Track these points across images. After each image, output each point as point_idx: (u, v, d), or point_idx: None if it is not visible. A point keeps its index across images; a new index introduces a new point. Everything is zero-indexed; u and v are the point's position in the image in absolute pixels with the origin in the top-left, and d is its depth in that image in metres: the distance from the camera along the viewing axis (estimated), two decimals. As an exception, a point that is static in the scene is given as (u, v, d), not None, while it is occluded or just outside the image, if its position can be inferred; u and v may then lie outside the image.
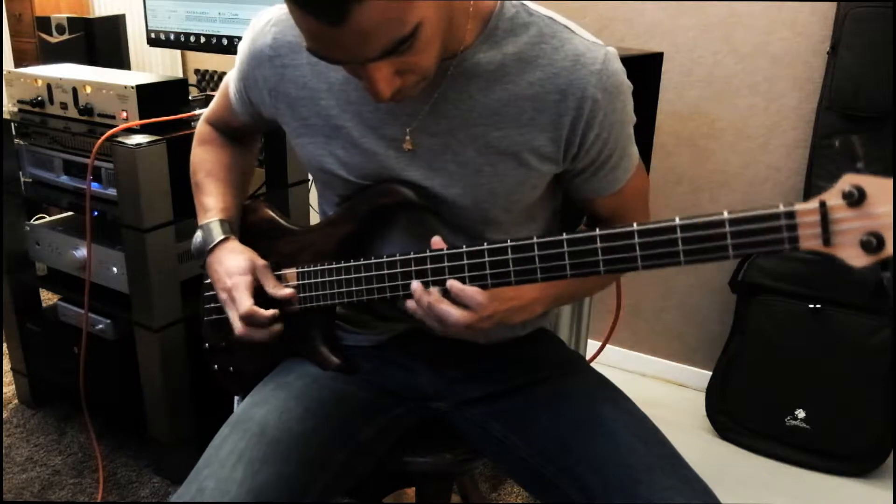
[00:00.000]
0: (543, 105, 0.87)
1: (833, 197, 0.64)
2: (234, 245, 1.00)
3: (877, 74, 1.67)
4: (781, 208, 0.66)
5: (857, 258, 0.64)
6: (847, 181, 0.64)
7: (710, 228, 0.69)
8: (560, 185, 0.98)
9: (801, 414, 1.82)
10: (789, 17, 1.81)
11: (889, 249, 0.63)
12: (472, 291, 0.81)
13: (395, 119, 0.90)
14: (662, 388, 2.19)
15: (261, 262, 0.98)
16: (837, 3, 1.73)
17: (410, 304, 0.85)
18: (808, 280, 1.79)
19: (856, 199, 0.63)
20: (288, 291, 0.95)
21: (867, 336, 1.73)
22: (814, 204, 0.65)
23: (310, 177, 1.88)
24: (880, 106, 1.69)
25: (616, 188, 0.95)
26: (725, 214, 0.69)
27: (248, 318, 0.93)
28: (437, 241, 0.84)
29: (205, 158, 1.10)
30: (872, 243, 0.63)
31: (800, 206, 0.66)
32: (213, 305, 1.08)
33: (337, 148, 0.93)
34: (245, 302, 0.93)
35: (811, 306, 1.79)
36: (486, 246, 0.82)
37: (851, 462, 1.80)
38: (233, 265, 0.96)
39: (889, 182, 0.62)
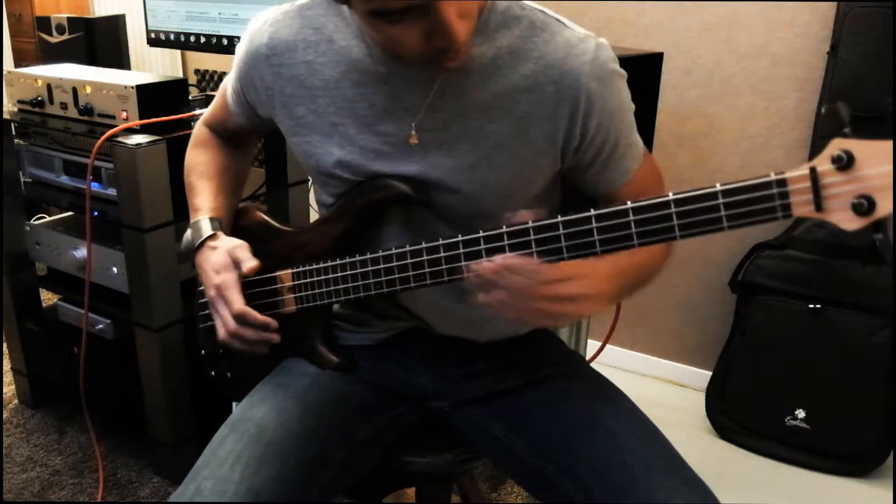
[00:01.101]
0: (538, 97, 0.87)
1: (823, 162, 0.65)
2: (219, 241, 0.99)
3: (877, 74, 1.67)
4: (773, 176, 0.67)
5: (849, 221, 0.65)
6: (835, 146, 0.64)
7: (704, 201, 0.70)
8: (573, 183, 0.98)
9: (800, 414, 1.82)
10: (789, 17, 1.81)
11: (881, 210, 0.63)
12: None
13: (391, 116, 0.90)
14: (662, 388, 2.19)
15: (235, 242, 0.97)
16: (837, 3, 1.73)
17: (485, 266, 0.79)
18: (808, 280, 1.79)
19: (845, 162, 0.63)
20: (252, 264, 0.94)
21: (867, 336, 1.73)
22: (804, 170, 0.66)
23: (310, 176, 1.88)
24: (880, 106, 1.69)
25: (629, 177, 0.95)
26: (718, 186, 0.69)
27: (239, 318, 0.93)
28: (525, 216, 0.80)
29: (199, 161, 1.10)
30: (864, 206, 0.63)
31: (790, 174, 0.66)
32: (207, 312, 1.08)
33: (333, 146, 0.93)
34: (237, 301, 0.93)
35: (811, 306, 1.79)
36: (504, 229, 0.80)
37: (851, 462, 1.79)
38: (217, 260, 0.96)
39: (877, 144, 0.62)
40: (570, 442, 0.91)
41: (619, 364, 2.26)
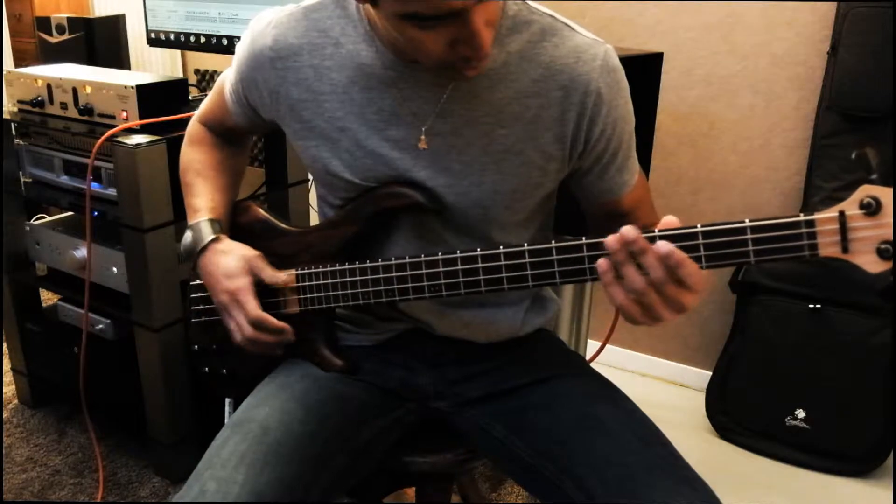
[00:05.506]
0: (547, 102, 0.87)
1: (851, 207, 0.68)
2: (226, 245, 0.99)
3: (877, 74, 1.67)
4: (802, 217, 0.69)
5: (873, 264, 0.68)
6: (864, 192, 0.67)
7: (732, 235, 0.71)
8: (570, 188, 0.98)
9: (801, 414, 1.82)
10: (789, 17, 1.81)
11: None
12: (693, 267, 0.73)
13: (400, 120, 0.90)
14: (662, 388, 2.19)
15: (252, 252, 0.97)
16: (837, 3, 1.73)
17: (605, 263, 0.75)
18: (808, 280, 1.79)
19: (873, 209, 0.67)
20: (284, 277, 0.96)
21: (867, 336, 1.73)
22: (833, 213, 0.69)
23: (310, 177, 1.88)
24: (880, 106, 1.68)
25: (626, 191, 0.96)
26: (747, 222, 0.71)
27: (257, 324, 0.93)
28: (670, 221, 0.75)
29: (195, 158, 1.09)
30: (889, 251, 0.67)
31: (819, 216, 0.69)
32: (200, 307, 1.08)
33: (341, 150, 0.93)
34: (254, 307, 0.93)
35: (811, 306, 1.79)
36: (526, 247, 0.81)
37: (851, 462, 1.80)
38: (230, 266, 0.96)
39: None
40: (570, 442, 0.90)
41: (619, 364, 2.26)
